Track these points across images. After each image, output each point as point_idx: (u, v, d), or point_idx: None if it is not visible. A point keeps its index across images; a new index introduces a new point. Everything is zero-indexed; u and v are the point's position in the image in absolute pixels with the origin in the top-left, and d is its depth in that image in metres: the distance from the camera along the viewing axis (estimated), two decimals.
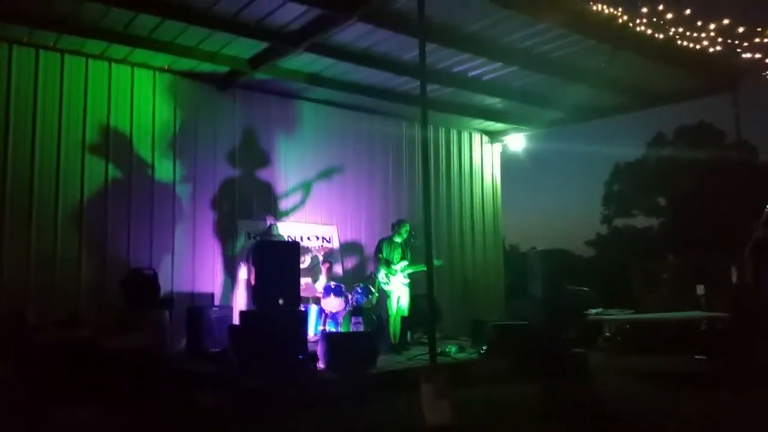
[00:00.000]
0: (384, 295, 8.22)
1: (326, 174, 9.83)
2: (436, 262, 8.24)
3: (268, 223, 8.57)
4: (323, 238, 9.71)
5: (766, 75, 8.59)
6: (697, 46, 7.69)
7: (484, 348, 7.42)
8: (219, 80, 8.69)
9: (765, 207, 8.24)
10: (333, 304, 8.30)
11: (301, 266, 7.96)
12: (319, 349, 6.41)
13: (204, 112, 8.72)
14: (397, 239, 8.30)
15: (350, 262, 9.99)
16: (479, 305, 11.04)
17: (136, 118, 8.16)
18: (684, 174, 26.09)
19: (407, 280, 8.25)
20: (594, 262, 25.31)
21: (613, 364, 8.09)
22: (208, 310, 7.70)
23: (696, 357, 8.29)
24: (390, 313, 8.13)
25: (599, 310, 9.47)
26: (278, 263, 5.99)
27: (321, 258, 9.22)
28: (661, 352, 8.95)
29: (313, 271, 9.02)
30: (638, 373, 7.79)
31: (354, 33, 7.53)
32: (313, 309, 8.39)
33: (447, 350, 7.43)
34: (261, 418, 5.08)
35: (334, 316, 8.33)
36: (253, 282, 6.25)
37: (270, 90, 9.30)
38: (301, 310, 6.11)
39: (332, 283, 8.48)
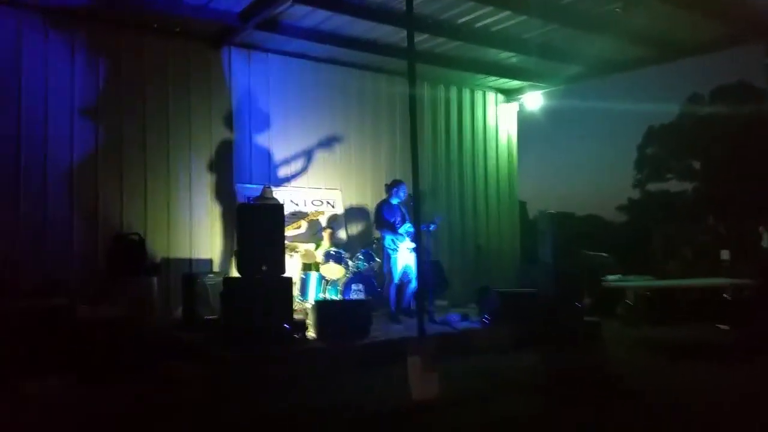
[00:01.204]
0: (389, 261, 7.81)
1: (327, 143, 9.42)
2: (432, 226, 7.91)
3: (256, 184, 8.19)
4: (327, 203, 9.35)
5: None
6: None
7: (487, 317, 7.02)
8: (211, 38, 8.29)
9: None
10: (333, 271, 7.99)
11: (298, 232, 7.67)
12: (311, 318, 6.11)
13: (197, 72, 8.35)
14: (395, 201, 7.88)
15: (355, 228, 9.64)
16: (493, 272, 10.61)
17: (124, 79, 7.84)
18: (719, 136, 24.92)
19: (413, 245, 7.78)
20: (624, 228, 24.57)
21: (629, 333, 7.64)
22: (204, 277, 7.44)
23: (718, 326, 7.78)
24: (395, 280, 7.77)
25: (618, 276, 8.95)
26: (261, 228, 5.65)
27: (324, 224, 8.88)
28: (683, 321, 8.45)
29: (315, 237, 8.71)
30: (654, 343, 7.34)
31: None
32: (313, 276, 8.10)
33: (448, 319, 7.05)
34: (236, 391, 4.81)
35: (335, 283, 8.03)
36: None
37: (268, 48, 8.88)
38: (287, 277, 5.78)
39: (332, 250, 8.16)
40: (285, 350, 5.43)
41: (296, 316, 6.33)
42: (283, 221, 6.02)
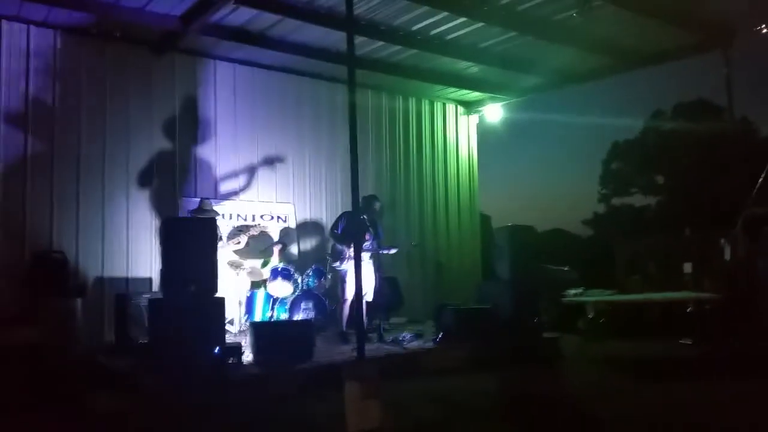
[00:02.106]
0: (340, 279, 7.35)
1: (279, 155, 9.00)
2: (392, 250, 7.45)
3: (199, 198, 7.71)
4: (278, 218, 8.91)
5: (759, 29, 7.77)
6: None
7: (439, 336, 6.62)
8: (153, 43, 7.84)
9: (759, 180, 7.51)
10: (280, 288, 7.54)
11: (237, 247, 7.21)
12: (248, 341, 5.64)
13: (137, 79, 7.87)
14: (364, 216, 7.35)
15: (309, 243, 9.21)
16: (454, 289, 10.24)
17: (58, 85, 7.32)
18: (682, 152, 25.24)
19: (370, 261, 7.33)
20: (590, 242, 24.59)
21: (590, 350, 7.32)
22: (138, 298, 6.90)
23: (681, 341, 7.53)
24: (345, 297, 7.28)
25: (579, 291, 8.67)
26: (190, 244, 5.18)
27: (276, 238, 8.42)
28: (646, 336, 8.19)
29: (264, 253, 8.25)
30: (615, 359, 7.03)
31: None
32: (260, 294, 7.63)
33: (399, 339, 6.63)
34: (156, 424, 4.31)
35: (283, 302, 7.57)
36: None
37: (215, 56, 8.48)
38: (218, 298, 5.31)
39: (280, 266, 7.71)
40: (215, 378, 4.93)
41: (232, 340, 5.87)
42: (215, 236, 5.54)
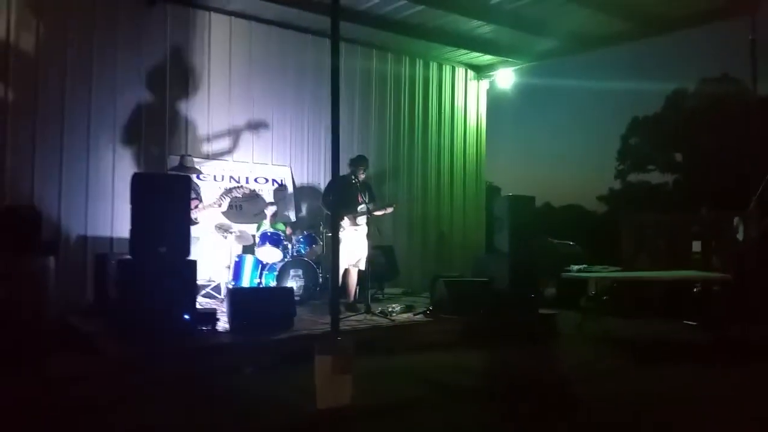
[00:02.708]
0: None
1: (276, 114, 8.62)
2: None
3: (181, 154, 7.36)
4: (273, 181, 8.58)
5: None
6: None
7: (430, 308, 6.30)
8: None
9: None
10: (269, 254, 7.24)
11: (216, 210, 6.90)
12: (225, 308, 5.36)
13: (127, 29, 7.47)
14: (354, 179, 6.90)
15: (307, 208, 8.88)
16: (455, 260, 9.94)
17: (45, 35, 6.96)
18: (703, 130, 24.44)
19: (364, 229, 6.86)
20: (604, 219, 24.08)
21: (588, 328, 6.95)
22: (117, 258, 6.65)
23: (686, 322, 7.15)
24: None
25: (582, 266, 8.29)
26: (161, 202, 4.86)
27: (270, 201, 8.09)
28: (650, 315, 7.83)
29: (258, 217, 7.96)
30: (612, 339, 6.67)
31: None
32: (248, 259, 7.35)
33: (389, 310, 6.33)
34: (106, 392, 4.05)
35: (273, 268, 7.28)
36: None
37: (210, 7, 8.05)
38: (191, 260, 5.00)
39: (270, 231, 7.40)
40: (186, 345, 4.66)
41: (207, 306, 5.60)
42: (188, 195, 5.20)
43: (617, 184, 28.08)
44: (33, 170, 6.86)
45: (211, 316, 5.19)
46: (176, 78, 7.84)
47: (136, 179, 4.96)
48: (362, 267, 6.78)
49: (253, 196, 8.22)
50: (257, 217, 7.99)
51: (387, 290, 8.32)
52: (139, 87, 7.58)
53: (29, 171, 6.83)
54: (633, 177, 27.78)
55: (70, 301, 6.51)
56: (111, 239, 7.28)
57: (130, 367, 4.33)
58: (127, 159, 7.47)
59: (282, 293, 5.71)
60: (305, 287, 7.17)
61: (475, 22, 8.77)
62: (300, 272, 7.19)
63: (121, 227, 7.35)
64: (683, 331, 7.07)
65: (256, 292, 6.16)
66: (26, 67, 6.85)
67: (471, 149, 10.81)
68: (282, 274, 7.07)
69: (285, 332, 5.22)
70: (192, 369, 4.41)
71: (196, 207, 6.67)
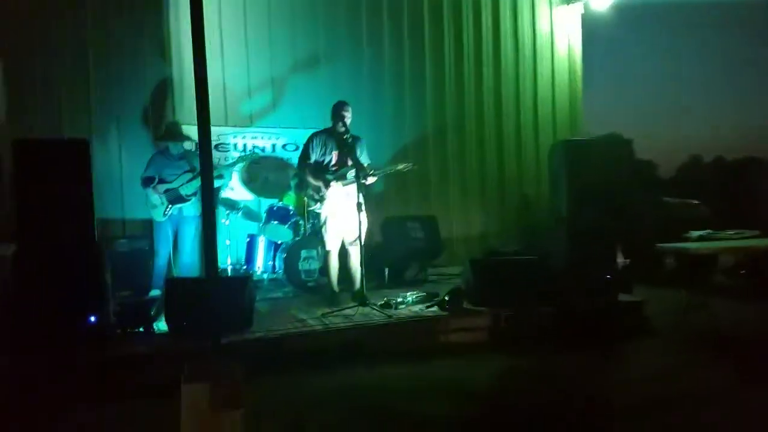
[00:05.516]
0: (320, 225, 5.39)
1: (305, 67, 7.32)
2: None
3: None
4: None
5: None
6: None
7: (449, 299, 4.64)
8: None
9: None
10: (275, 232, 6.04)
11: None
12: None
13: None
14: (339, 132, 5.29)
15: None
16: (539, 230, 8.04)
17: None
18: None
19: (354, 196, 4.96)
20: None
21: (702, 323, 4.86)
22: (116, 244, 5.85)
23: None
24: (328, 248, 5.28)
25: (704, 232, 6.07)
26: (53, 174, 3.79)
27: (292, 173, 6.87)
28: None
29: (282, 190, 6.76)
30: (739, 340, 4.54)
31: None
32: (261, 239, 6.21)
33: (396, 301, 4.79)
34: None
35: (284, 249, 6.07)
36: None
37: None
38: (94, 246, 3.89)
39: (276, 205, 6.16)
40: (85, 357, 3.58)
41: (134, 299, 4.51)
42: (89, 164, 4.04)
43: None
44: None
45: (141, 313, 4.06)
46: (181, 34, 6.80)
47: (18, 149, 3.90)
48: (354, 244, 5.09)
49: (282, 166, 7.09)
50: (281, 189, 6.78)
51: (443, 269, 6.73)
52: (140, 52, 6.67)
53: None
54: None
55: None
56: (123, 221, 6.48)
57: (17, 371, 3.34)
58: (131, 131, 6.62)
59: (234, 284, 4.41)
60: (320, 272, 5.87)
61: None
62: (314, 254, 5.89)
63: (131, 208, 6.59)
64: None
65: (194, 282, 4.75)
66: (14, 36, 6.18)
67: (562, 91, 8.73)
68: (291, 257, 5.83)
69: (242, 334, 3.96)
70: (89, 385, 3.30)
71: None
